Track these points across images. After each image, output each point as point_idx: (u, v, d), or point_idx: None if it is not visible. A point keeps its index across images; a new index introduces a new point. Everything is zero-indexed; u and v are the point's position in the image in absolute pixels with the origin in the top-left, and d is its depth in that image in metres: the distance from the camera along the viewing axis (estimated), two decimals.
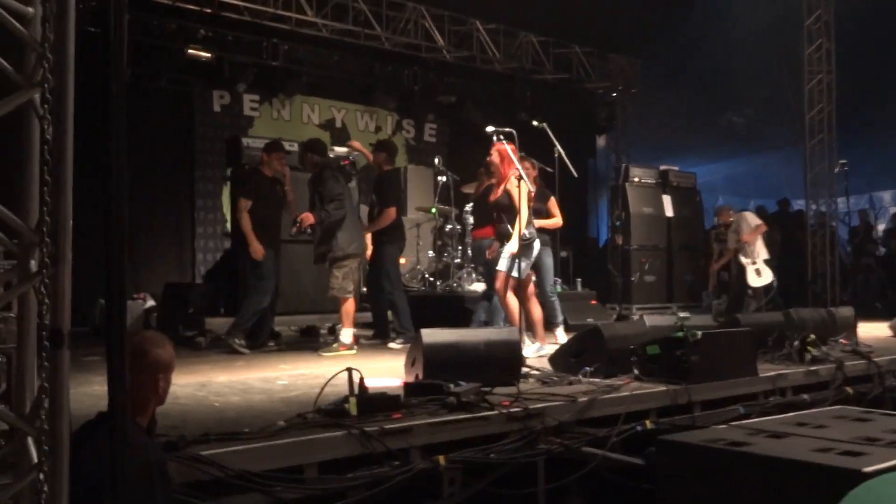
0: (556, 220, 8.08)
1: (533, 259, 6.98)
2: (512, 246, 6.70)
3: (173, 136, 11.55)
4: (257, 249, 7.41)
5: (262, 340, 7.56)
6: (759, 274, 10.76)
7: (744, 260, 10.84)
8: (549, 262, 8.10)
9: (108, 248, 1.74)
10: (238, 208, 7.60)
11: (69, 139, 1.85)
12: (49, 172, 1.78)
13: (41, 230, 1.84)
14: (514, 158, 6.76)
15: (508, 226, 6.83)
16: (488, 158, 7.10)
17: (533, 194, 7.02)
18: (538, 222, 7.84)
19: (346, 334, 7.33)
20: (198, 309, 8.48)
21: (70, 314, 1.94)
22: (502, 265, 6.82)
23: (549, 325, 8.11)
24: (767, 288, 10.87)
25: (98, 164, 1.79)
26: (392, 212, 8.06)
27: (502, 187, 6.93)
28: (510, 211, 6.82)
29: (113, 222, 1.73)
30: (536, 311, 7.09)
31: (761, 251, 10.84)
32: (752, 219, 11.06)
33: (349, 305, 7.33)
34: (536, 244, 6.95)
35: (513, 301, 6.78)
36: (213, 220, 11.96)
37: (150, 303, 9.21)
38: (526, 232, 6.73)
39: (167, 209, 11.56)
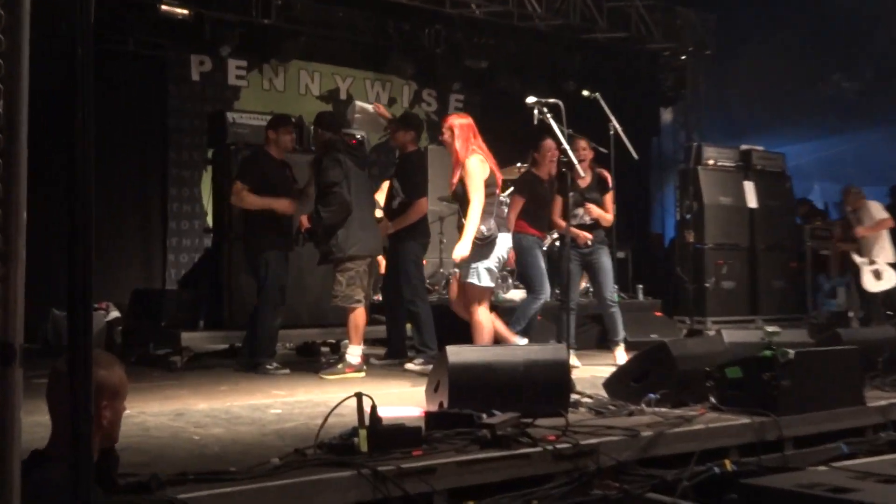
0: (608, 216, 8.09)
1: (495, 261, 6.84)
2: (462, 248, 6.68)
3: (142, 110, 11.62)
4: (285, 205, 7.55)
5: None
6: (877, 277, 10.74)
7: (858, 259, 10.83)
8: (607, 263, 8.12)
9: (73, 247, 1.76)
10: (233, 192, 7.60)
11: (23, 114, 1.87)
12: (0, 153, 1.80)
13: None
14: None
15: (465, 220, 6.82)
16: (440, 136, 7.08)
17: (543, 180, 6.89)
18: (596, 211, 7.89)
19: (354, 353, 7.36)
20: (172, 321, 8.54)
21: (23, 324, 1.97)
22: (465, 275, 6.84)
23: (608, 343, 8.09)
24: (889, 294, 10.87)
25: (54, 145, 1.81)
26: (423, 203, 8.03)
27: (457, 175, 6.91)
28: (468, 204, 6.79)
29: (79, 218, 1.75)
30: (482, 320, 6.95)
31: (884, 251, 10.82)
32: (875, 210, 11.04)
33: (357, 317, 7.34)
34: (502, 240, 6.85)
35: (485, 316, 6.81)
36: (190, 213, 12.04)
37: (114, 314, 9.29)
38: (483, 228, 6.70)
39: (134, 200, 11.65)
